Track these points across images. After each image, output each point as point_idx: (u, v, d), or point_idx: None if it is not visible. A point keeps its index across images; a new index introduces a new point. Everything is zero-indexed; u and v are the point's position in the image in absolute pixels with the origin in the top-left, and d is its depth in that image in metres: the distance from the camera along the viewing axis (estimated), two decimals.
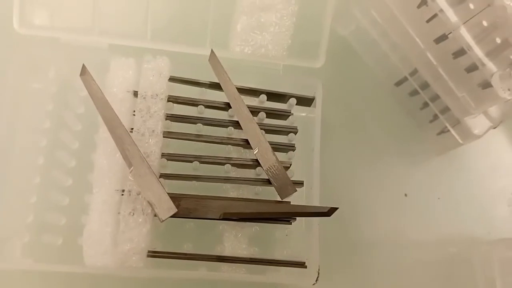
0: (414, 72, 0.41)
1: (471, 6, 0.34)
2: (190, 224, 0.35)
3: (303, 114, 0.41)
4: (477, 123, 0.39)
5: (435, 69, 0.37)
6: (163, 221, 0.31)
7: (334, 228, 0.38)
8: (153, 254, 0.33)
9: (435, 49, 0.36)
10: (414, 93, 0.43)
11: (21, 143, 0.37)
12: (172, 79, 0.37)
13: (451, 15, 0.34)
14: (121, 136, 0.33)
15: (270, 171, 0.35)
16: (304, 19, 0.39)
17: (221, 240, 0.35)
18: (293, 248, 0.36)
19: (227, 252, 0.35)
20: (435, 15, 0.35)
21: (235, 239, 0.35)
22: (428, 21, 0.35)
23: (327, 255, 0.36)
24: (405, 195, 0.43)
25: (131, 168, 0.32)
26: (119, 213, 0.33)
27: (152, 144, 0.34)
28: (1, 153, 0.36)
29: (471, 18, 0.34)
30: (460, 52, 0.35)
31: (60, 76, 0.38)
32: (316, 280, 0.34)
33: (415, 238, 0.43)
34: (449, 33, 0.34)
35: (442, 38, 0.35)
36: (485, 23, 0.33)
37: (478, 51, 0.34)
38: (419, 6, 0.36)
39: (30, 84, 0.38)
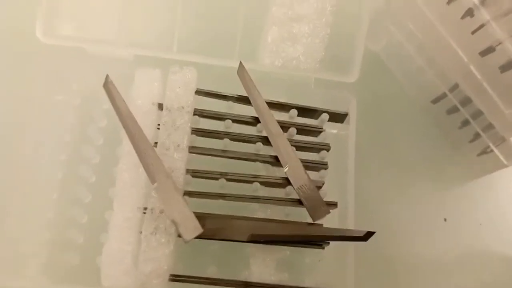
0: (454, 88, 0.38)
1: None
2: (215, 246, 0.33)
3: (334, 131, 0.39)
4: None
5: (479, 83, 0.35)
6: (187, 242, 0.29)
7: (368, 253, 0.36)
8: (176, 278, 0.31)
9: (480, 62, 0.34)
10: (453, 110, 0.41)
11: (40, 157, 0.35)
12: (199, 92, 0.35)
13: (499, 26, 0.32)
14: (145, 150, 0.31)
15: (301, 191, 0.33)
16: (338, 31, 0.37)
17: (248, 264, 0.33)
18: (326, 274, 0.34)
19: (254, 278, 0.32)
20: (481, 26, 0.33)
21: (263, 263, 0.33)
22: (473, 32, 0.33)
23: (362, 282, 0.33)
24: (445, 219, 0.40)
25: (155, 184, 0.30)
26: (140, 232, 0.31)
27: (177, 159, 0.32)
28: (20, 167, 0.34)
29: None
30: (508, 66, 0.33)
31: (83, 87, 0.37)
32: None
33: (456, 265, 0.40)
34: (497, 45, 0.32)
35: (488, 50, 0.33)
36: None
37: None
38: (463, 17, 0.33)
39: (52, 95, 0.37)
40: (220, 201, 0.33)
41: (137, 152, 0.31)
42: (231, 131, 0.35)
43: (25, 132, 0.35)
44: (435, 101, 0.41)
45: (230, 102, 0.36)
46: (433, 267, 0.39)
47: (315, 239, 0.33)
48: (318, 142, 0.36)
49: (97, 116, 0.37)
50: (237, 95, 0.35)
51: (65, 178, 0.35)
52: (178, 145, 0.33)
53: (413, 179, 0.42)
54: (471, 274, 0.40)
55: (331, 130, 0.38)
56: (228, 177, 0.34)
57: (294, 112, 0.36)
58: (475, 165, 0.41)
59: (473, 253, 0.40)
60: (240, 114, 0.35)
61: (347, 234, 0.32)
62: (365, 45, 0.38)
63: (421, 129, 0.43)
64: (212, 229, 0.31)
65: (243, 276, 0.32)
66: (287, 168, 0.33)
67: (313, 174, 0.34)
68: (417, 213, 0.40)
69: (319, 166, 0.35)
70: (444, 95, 0.40)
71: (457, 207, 0.41)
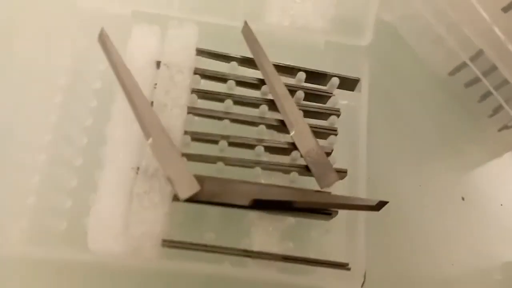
0: (476, 56, 0.36)
1: None
2: (213, 211, 0.30)
3: (345, 102, 0.36)
4: None
5: (504, 46, 0.32)
6: (183, 200, 0.27)
7: (379, 230, 0.33)
8: (169, 243, 0.28)
9: (503, 20, 0.31)
10: (472, 82, 0.38)
11: (28, 118, 0.33)
12: (200, 52, 0.33)
13: None
14: (140, 105, 0.29)
15: (308, 156, 0.30)
16: None
17: (248, 232, 0.30)
18: (334, 246, 0.31)
19: (255, 247, 0.29)
20: None
21: (265, 232, 0.30)
22: None
23: (370, 259, 0.30)
24: (462, 198, 0.38)
25: (150, 139, 0.28)
26: (132, 192, 0.28)
27: (174, 116, 0.30)
28: (5, 129, 0.32)
29: None
30: None
31: (77, 46, 0.35)
32: (362, 286, 0.29)
33: (474, 245, 0.37)
34: None
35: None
36: None
37: None
38: None
39: (43, 54, 0.34)
40: (220, 167, 0.30)
41: (132, 107, 0.29)
42: (234, 93, 0.32)
43: (13, 91, 0.33)
44: (452, 72, 0.39)
45: (234, 63, 0.33)
46: (449, 247, 0.36)
47: (323, 207, 0.30)
48: (328, 107, 0.34)
49: (90, 76, 0.34)
50: (241, 56, 0.33)
51: (54, 140, 0.33)
52: (176, 103, 0.30)
53: (428, 155, 0.39)
54: (490, 256, 0.37)
55: (341, 101, 0.35)
56: (230, 140, 0.31)
57: (302, 75, 0.34)
58: (496, 141, 0.39)
59: (492, 236, 0.37)
60: (244, 75, 0.33)
61: (358, 203, 0.30)
62: (378, 15, 0.36)
63: (438, 102, 0.40)
64: (211, 191, 0.28)
65: (243, 245, 0.29)
66: (294, 131, 0.31)
67: (321, 143, 0.32)
68: (433, 191, 0.38)
69: (328, 132, 0.33)
70: (463, 66, 0.37)
71: (476, 186, 0.38)
